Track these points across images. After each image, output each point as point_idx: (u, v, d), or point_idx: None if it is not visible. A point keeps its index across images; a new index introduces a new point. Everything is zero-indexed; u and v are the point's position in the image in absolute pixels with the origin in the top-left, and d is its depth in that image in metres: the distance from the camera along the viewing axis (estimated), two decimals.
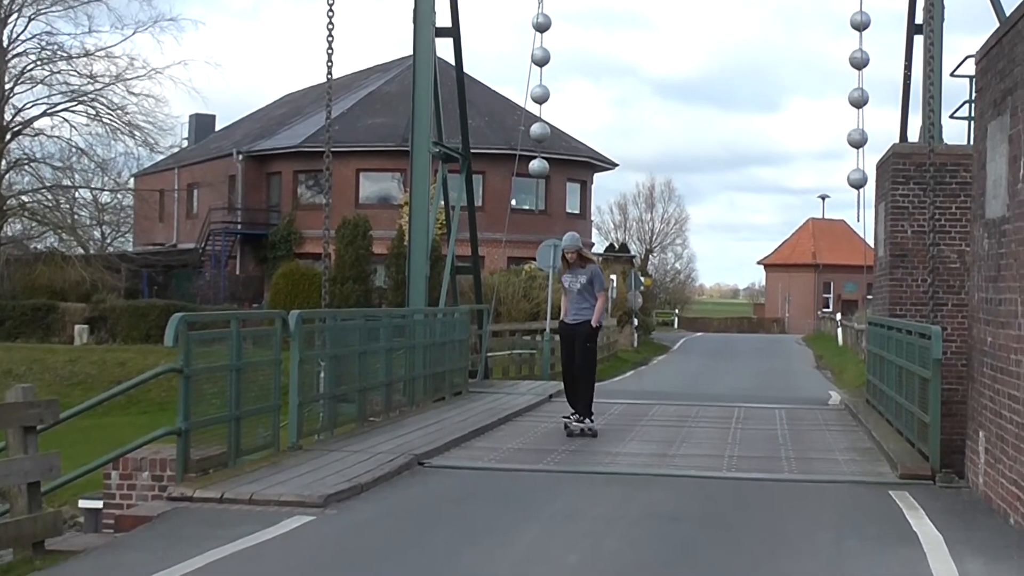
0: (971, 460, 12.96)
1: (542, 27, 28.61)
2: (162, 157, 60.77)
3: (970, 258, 14.06)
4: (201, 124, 71.13)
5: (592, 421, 16.98)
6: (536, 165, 29.86)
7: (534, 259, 38.51)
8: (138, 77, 50.66)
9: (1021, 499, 10.33)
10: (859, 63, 27.02)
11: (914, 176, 20.47)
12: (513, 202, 45.50)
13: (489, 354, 27.99)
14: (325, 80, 17.91)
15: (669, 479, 13.55)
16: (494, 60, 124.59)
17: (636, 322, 53.51)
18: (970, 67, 18.81)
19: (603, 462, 14.66)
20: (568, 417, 17.16)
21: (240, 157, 56.88)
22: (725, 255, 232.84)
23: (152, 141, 51.81)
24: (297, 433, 14.26)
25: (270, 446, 13.76)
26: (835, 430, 18.55)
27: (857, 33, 27.39)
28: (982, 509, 11.74)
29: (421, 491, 12.46)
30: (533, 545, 9.97)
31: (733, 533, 10.67)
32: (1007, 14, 11.69)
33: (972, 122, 19.66)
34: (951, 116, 21.87)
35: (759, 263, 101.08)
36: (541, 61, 28.67)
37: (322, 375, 15.49)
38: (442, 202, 27.08)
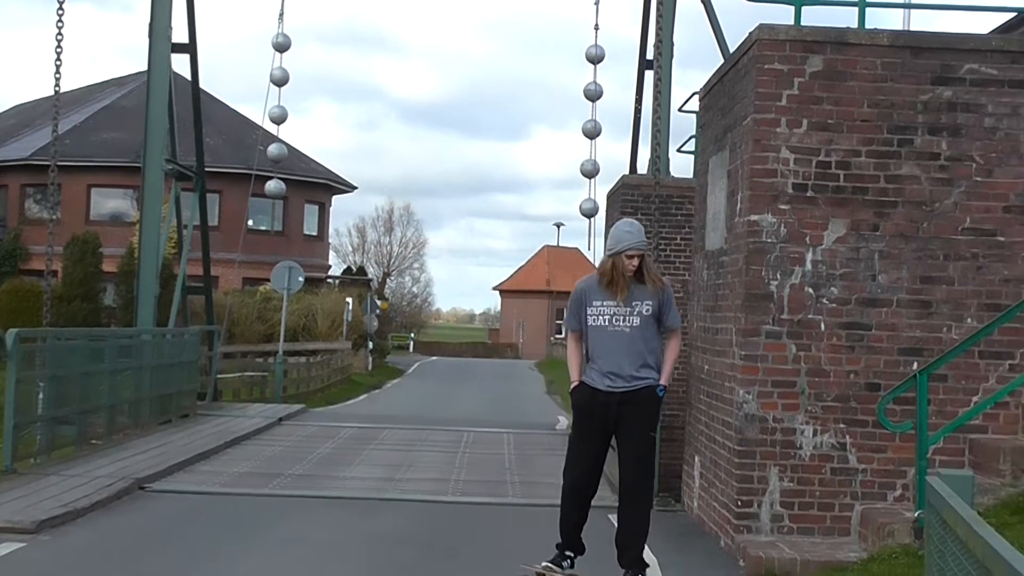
0: (687, 484, 13.36)
1: (282, 47, 28.47)
2: None
3: (691, 288, 14.53)
4: None
5: None
6: (272, 186, 29.70)
7: (269, 280, 38.10)
8: None
9: (731, 522, 10.71)
10: (593, 95, 27.77)
11: (642, 207, 20.97)
12: (250, 222, 44.96)
13: (220, 376, 27.55)
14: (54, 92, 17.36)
15: (395, 503, 13.56)
16: (235, 78, 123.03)
17: (371, 345, 53.42)
18: (697, 103, 19.46)
19: (329, 487, 14.59)
20: (559, 567, 9.26)
21: None
22: (463, 280, 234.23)
23: None
24: (12, 456, 13.73)
25: None
26: (560, 455, 18.61)
27: (593, 66, 28.17)
28: (696, 532, 12.11)
29: (141, 516, 12.16)
30: (255, 571, 9.84)
31: (456, 557, 10.74)
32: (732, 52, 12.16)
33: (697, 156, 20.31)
34: (678, 150, 22.55)
35: (495, 288, 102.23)
36: (280, 81, 28.54)
37: (41, 396, 14.98)
38: (175, 221, 26.58)
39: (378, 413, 28.52)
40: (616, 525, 9.25)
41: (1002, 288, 10.57)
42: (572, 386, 9.12)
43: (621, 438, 8.95)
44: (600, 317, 8.90)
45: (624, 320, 8.86)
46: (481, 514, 13.17)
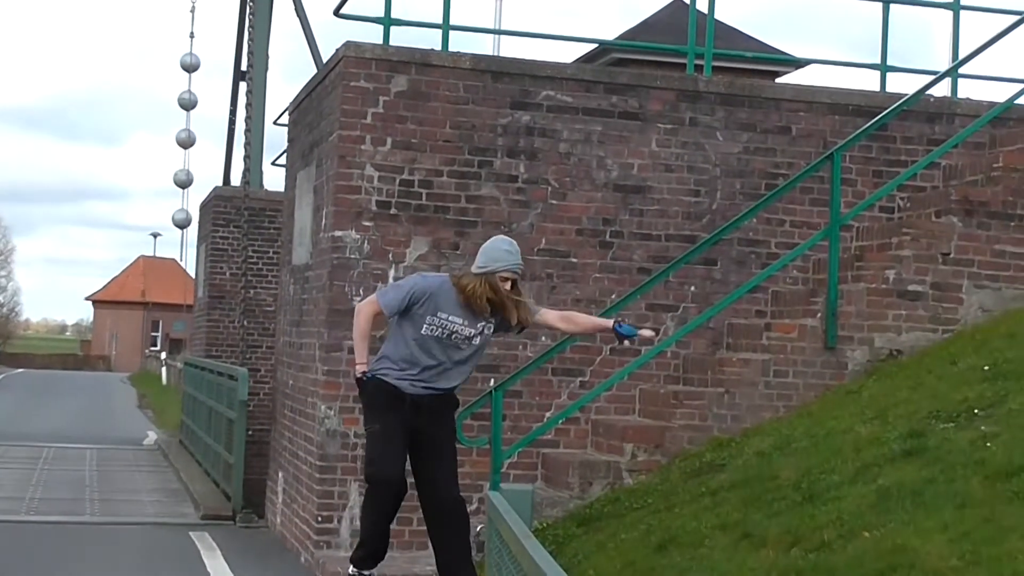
0: (271, 500, 13.27)
1: None
2: None
3: (278, 303, 14.47)
4: None
5: None
6: None
7: None
8: None
9: (311, 538, 10.70)
10: (188, 104, 27.37)
11: (234, 219, 20.77)
12: None
13: None
14: None
15: None
16: None
17: None
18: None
19: None
20: None
21: None
22: (55, 289, 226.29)
23: None
24: None
25: None
26: (145, 471, 18.49)
27: (188, 74, 27.73)
28: (278, 548, 12.05)
29: None
30: None
31: None
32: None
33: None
34: (273, 163, 22.42)
35: (88, 299, 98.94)
36: None
37: None
38: None
39: None
40: (435, 554, 7.89)
41: (574, 308, 10.96)
42: (360, 365, 7.73)
43: (429, 449, 7.80)
44: (441, 330, 7.69)
45: (465, 343, 7.76)
46: (56, 534, 12.68)
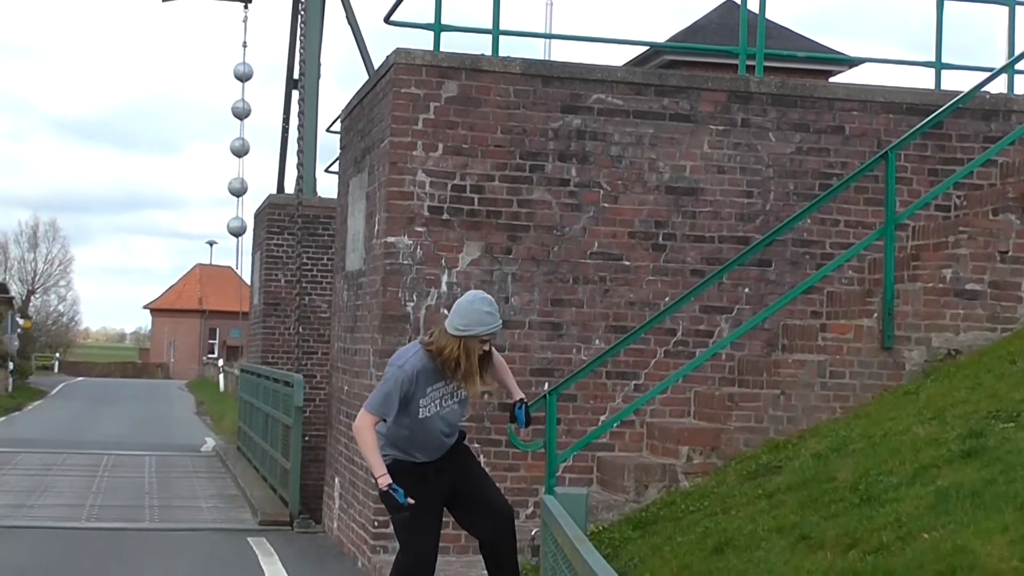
0: (327, 505, 13.33)
1: None
2: None
3: (332, 309, 14.53)
4: None
5: None
6: None
7: None
8: None
9: (368, 542, 10.73)
10: (241, 113, 27.50)
11: (288, 227, 20.88)
12: None
13: None
14: None
15: (23, 531, 13.11)
16: None
17: (12, 366, 51.17)
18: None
19: None
20: None
21: None
22: (114, 298, 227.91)
23: None
24: None
25: None
26: (204, 477, 18.63)
27: (241, 84, 27.89)
28: (335, 553, 12.10)
29: None
30: None
31: None
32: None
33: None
34: (326, 170, 22.57)
35: (146, 307, 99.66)
36: None
37: None
38: None
39: (16, 436, 27.33)
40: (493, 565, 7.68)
41: (627, 311, 10.97)
42: (382, 477, 7.11)
43: (468, 485, 7.60)
44: (432, 404, 7.34)
45: (453, 396, 7.40)
46: (116, 540, 12.82)
